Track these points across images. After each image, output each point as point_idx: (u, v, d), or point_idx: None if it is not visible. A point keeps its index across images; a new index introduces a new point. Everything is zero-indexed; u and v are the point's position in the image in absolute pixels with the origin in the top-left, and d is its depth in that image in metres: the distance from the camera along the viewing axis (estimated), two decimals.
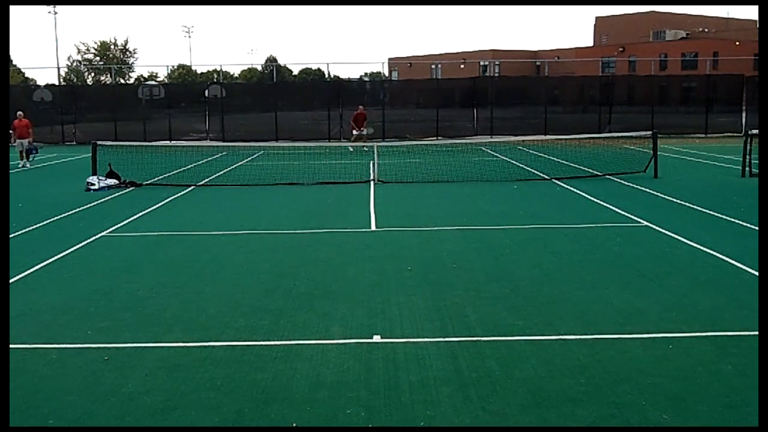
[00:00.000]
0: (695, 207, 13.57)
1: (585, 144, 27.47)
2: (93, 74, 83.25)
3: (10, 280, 8.54)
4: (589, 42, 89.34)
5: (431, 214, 13.17)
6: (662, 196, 15.08)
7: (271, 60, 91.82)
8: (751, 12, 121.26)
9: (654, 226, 11.63)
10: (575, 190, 16.20)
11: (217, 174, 20.57)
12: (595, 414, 5.00)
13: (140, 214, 13.69)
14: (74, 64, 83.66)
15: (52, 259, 9.86)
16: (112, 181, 17.76)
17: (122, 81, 72.22)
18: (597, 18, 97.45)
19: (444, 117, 36.80)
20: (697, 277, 8.59)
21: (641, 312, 7.21)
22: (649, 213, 12.84)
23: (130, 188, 17.56)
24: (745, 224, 11.68)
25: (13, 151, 25.33)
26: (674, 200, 14.47)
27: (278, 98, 37.80)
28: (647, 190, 16.03)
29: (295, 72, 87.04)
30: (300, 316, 7.25)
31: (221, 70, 52.10)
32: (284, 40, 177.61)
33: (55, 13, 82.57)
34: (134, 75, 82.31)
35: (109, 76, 77.32)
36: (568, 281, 8.42)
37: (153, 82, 51.53)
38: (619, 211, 13.21)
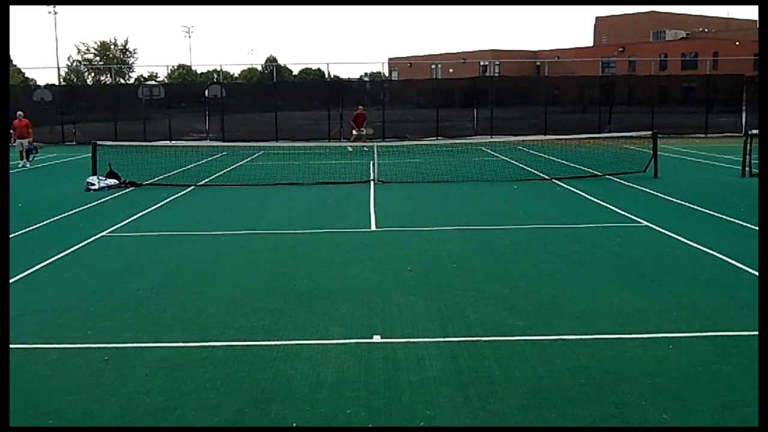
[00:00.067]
0: (695, 207, 13.58)
1: (585, 144, 27.46)
2: (93, 74, 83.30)
3: (10, 280, 8.54)
4: (589, 42, 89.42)
5: (431, 214, 13.17)
6: (662, 196, 15.09)
7: (271, 60, 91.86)
8: (751, 12, 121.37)
9: (654, 226, 11.63)
10: (575, 190, 16.20)
11: (217, 174, 20.58)
12: (595, 414, 5.00)
13: (140, 214, 13.69)
14: (74, 64, 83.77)
15: (52, 259, 9.87)
16: (112, 181, 17.77)
17: (122, 81, 72.26)
18: (597, 18, 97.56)
19: (444, 117, 36.80)
20: (697, 277, 8.59)
21: (641, 312, 7.21)
22: (649, 213, 12.84)
23: (130, 188, 17.57)
24: (745, 224, 11.68)
25: (13, 151, 25.33)
26: (674, 200, 14.47)
27: (278, 98, 37.81)
28: (647, 190, 16.04)
29: (295, 72, 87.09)
30: (300, 316, 7.25)
31: (221, 70, 52.13)
32: (284, 40, 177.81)
33: (55, 13, 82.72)
34: (134, 75, 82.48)
35: (109, 76, 77.35)
36: (568, 281, 8.42)
37: (153, 82, 51.55)
38: (619, 211, 13.22)
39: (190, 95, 42.04)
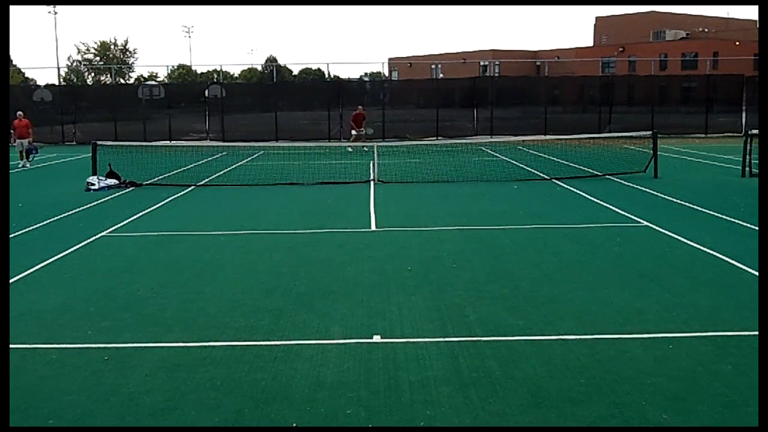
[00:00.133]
0: (695, 207, 13.58)
1: (585, 144, 27.47)
2: (93, 74, 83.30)
3: (11, 280, 8.54)
4: (589, 42, 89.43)
5: (431, 214, 13.17)
6: (662, 196, 15.09)
7: (271, 60, 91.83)
8: (751, 12, 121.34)
9: (654, 226, 11.63)
10: (575, 190, 16.20)
11: (217, 174, 20.58)
12: (595, 414, 5.00)
13: (140, 214, 13.69)
14: (74, 64, 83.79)
15: (52, 259, 9.87)
16: (112, 181, 17.77)
17: (122, 81, 72.25)
18: (597, 18, 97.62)
19: (444, 117, 36.82)
20: (697, 277, 8.59)
21: (641, 312, 7.21)
22: (649, 213, 12.84)
23: (130, 188, 17.57)
24: (745, 224, 11.68)
25: (13, 151, 25.34)
26: (674, 200, 14.47)
27: (278, 98, 37.82)
28: (647, 190, 16.04)
29: (295, 72, 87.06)
30: (300, 316, 7.25)
31: (221, 70, 52.06)
32: (284, 40, 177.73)
33: (55, 13, 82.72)
34: (134, 75, 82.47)
35: (109, 76, 77.35)
36: (568, 281, 8.42)
37: (153, 82, 51.50)
38: (619, 211, 13.22)
39: (190, 95, 42.03)
